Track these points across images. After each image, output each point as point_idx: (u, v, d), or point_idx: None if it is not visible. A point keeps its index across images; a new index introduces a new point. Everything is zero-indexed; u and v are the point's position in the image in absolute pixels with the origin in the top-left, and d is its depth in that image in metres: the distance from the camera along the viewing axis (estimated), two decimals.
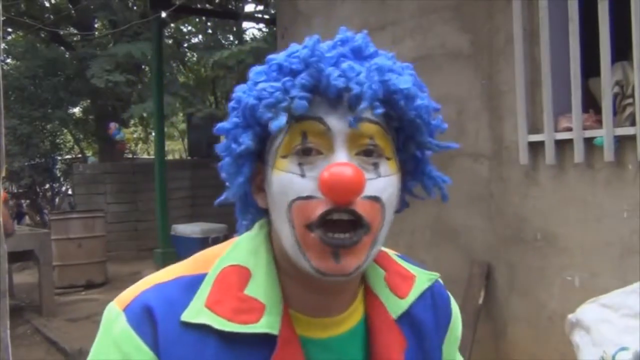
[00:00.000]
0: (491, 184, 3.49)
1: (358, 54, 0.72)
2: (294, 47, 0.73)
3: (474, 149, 3.57)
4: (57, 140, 12.18)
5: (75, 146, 13.80)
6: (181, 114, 14.51)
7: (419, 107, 0.72)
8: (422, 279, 0.84)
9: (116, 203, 9.85)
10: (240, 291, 0.71)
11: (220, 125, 0.76)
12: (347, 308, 0.77)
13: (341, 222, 0.67)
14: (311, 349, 0.72)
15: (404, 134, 0.75)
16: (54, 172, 12.29)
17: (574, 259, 3.07)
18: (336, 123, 0.68)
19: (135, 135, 11.85)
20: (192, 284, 0.72)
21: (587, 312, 2.37)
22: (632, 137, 2.77)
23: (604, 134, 2.83)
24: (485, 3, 3.49)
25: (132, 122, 12.30)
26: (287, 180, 0.69)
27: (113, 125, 9.76)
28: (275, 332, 0.70)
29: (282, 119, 0.68)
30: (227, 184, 0.79)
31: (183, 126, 15.76)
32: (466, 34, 3.61)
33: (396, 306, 0.79)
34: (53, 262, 6.90)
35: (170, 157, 17.68)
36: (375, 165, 0.70)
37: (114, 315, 0.71)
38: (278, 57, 0.73)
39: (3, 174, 2.00)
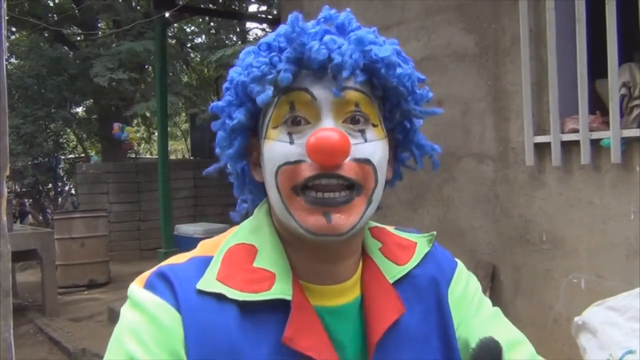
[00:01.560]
0: (497, 185, 3.48)
1: (342, 30, 0.76)
2: (282, 27, 0.76)
3: (480, 150, 3.56)
4: (61, 140, 12.19)
5: (79, 146, 13.81)
6: (184, 114, 14.53)
7: (401, 75, 0.75)
8: (422, 243, 0.86)
9: (119, 203, 9.86)
10: (249, 264, 0.74)
11: (214, 104, 0.80)
12: (352, 275, 0.79)
13: (332, 186, 0.71)
14: (324, 317, 0.74)
15: (389, 102, 0.78)
16: (57, 171, 12.32)
17: (580, 261, 3.05)
18: (321, 92, 0.72)
19: (138, 135, 11.83)
20: (203, 262, 0.75)
21: (594, 314, 2.35)
22: (639, 139, 2.76)
23: (611, 136, 2.82)
24: (491, 4, 3.47)
25: (135, 121, 12.30)
26: (277, 147, 0.72)
27: (116, 126, 9.75)
28: (288, 297, 0.72)
29: (269, 92, 0.72)
30: (220, 157, 0.82)
31: (186, 126, 15.78)
32: (471, 35, 3.60)
33: (393, 271, 0.80)
34: (56, 261, 6.91)
35: (173, 156, 17.70)
36: (362, 132, 0.73)
37: (135, 290, 0.74)
38: (267, 37, 0.77)
39: (7, 173, 2.00)
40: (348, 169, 0.70)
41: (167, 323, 0.69)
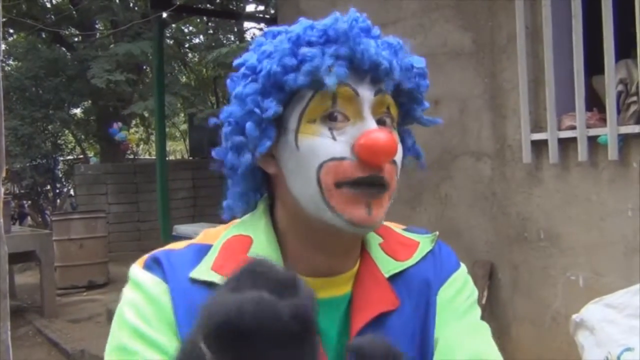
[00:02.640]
0: (494, 183, 3.47)
1: (368, 33, 0.77)
2: (305, 22, 0.77)
3: (477, 148, 3.55)
4: (59, 141, 12.18)
5: (77, 147, 13.80)
6: (182, 115, 14.52)
7: (425, 85, 0.80)
8: (425, 242, 0.87)
9: (118, 203, 9.85)
10: (244, 254, 0.76)
11: (237, 92, 0.77)
12: (348, 269, 0.80)
13: (375, 184, 0.74)
14: None
15: (404, 108, 0.81)
16: (56, 172, 12.30)
17: (578, 259, 3.05)
18: (364, 91, 0.74)
19: (137, 136, 11.82)
20: (201, 249, 0.78)
21: (592, 312, 2.35)
22: (637, 136, 2.75)
23: (608, 133, 2.81)
24: (487, 1, 3.47)
25: (133, 122, 12.29)
26: (319, 142, 0.73)
27: (116, 125, 9.75)
28: None
29: (334, 78, 0.71)
30: (240, 149, 0.78)
31: (184, 126, 15.77)
32: (468, 32, 3.59)
33: (389, 265, 0.81)
34: (55, 262, 6.89)
35: (171, 157, 17.68)
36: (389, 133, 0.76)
37: (134, 270, 0.78)
38: (294, 30, 0.76)
39: (3, 175, 1.99)
40: (387, 172, 0.74)
41: (158, 295, 0.73)
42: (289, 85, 0.73)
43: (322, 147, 0.72)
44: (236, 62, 0.80)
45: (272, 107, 0.74)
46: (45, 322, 6.11)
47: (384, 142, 0.71)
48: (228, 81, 0.81)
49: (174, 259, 0.76)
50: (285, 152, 0.76)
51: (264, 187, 0.83)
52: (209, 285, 0.73)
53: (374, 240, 0.84)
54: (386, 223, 0.86)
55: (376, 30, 0.78)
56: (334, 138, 0.73)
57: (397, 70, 0.75)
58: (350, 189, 0.72)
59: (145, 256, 0.79)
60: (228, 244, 0.78)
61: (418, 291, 0.81)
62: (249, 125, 0.76)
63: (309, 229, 0.76)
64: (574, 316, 2.40)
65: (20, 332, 5.91)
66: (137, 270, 0.77)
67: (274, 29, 0.80)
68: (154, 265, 0.76)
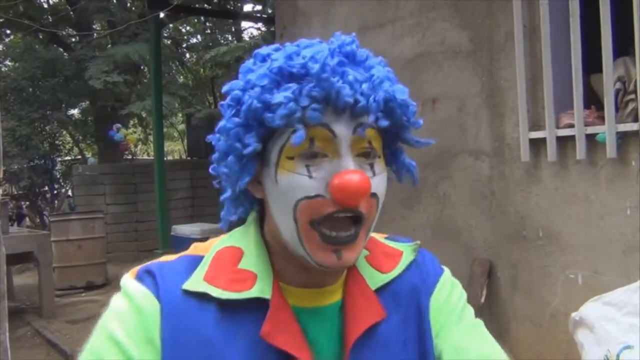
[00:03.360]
0: (492, 182, 3.47)
1: (352, 60, 0.77)
2: (290, 48, 0.77)
3: (475, 147, 3.55)
4: (57, 142, 12.15)
5: (75, 147, 13.78)
6: (180, 115, 14.51)
7: (410, 113, 0.80)
8: (408, 252, 0.88)
9: (116, 204, 9.84)
10: (235, 266, 0.79)
11: (221, 125, 0.79)
12: (335, 282, 0.82)
13: (342, 220, 0.74)
14: (302, 317, 0.78)
15: (391, 134, 0.81)
16: (54, 173, 12.27)
17: (577, 257, 3.05)
18: (341, 130, 0.74)
19: (135, 136, 11.80)
20: (193, 261, 0.80)
21: (591, 310, 2.35)
22: (635, 133, 2.75)
23: (606, 130, 2.81)
24: (484, 0, 3.46)
25: (131, 122, 12.28)
26: (295, 180, 0.74)
27: (115, 127, 9.73)
28: (267, 296, 0.76)
29: (301, 133, 0.73)
30: (225, 179, 0.83)
31: (182, 126, 15.75)
32: (466, 31, 3.59)
33: (376, 278, 0.83)
34: (53, 263, 6.88)
35: (169, 157, 17.67)
36: (372, 165, 0.77)
37: (125, 280, 0.79)
38: (277, 59, 0.76)
39: (1, 176, 1.98)
40: (362, 206, 0.74)
41: (147, 309, 0.74)
42: (268, 123, 0.74)
43: (297, 184, 0.73)
44: (224, 88, 0.80)
45: (252, 143, 0.76)
46: (44, 323, 6.10)
47: (356, 183, 0.71)
48: (220, 106, 0.83)
49: (166, 271, 0.78)
50: (268, 183, 0.78)
51: (255, 201, 0.85)
52: (201, 296, 0.75)
53: (361, 254, 0.84)
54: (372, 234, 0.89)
55: (362, 55, 0.78)
56: (310, 175, 0.73)
57: (375, 107, 0.74)
58: (320, 234, 0.73)
59: (138, 267, 0.80)
60: (219, 255, 0.80)
61: (406, 302, 0.84)
62: (230, 159, 0.78)
63: (289, 253, 0.78)
64: (573, 314, 2.40)
65: (18, 333, 5.90)
66: (128, 280, 0.79)
67: (263, 51, 0.80)
68: (147, 278, 0.77)
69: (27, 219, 12.54)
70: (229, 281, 0.77)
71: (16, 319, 6.23)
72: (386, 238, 0.92)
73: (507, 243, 3.40)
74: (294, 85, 0.73)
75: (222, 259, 0.80)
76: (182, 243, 7.27)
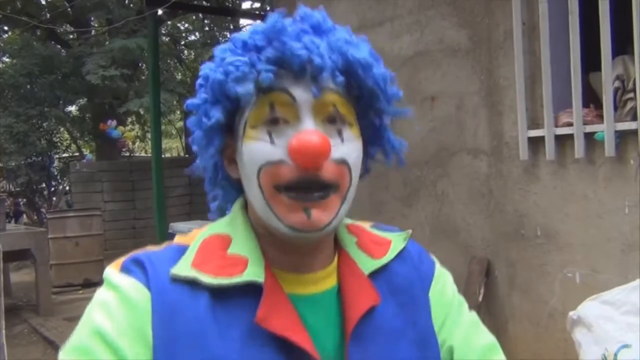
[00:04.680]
0: (491, 180, 3.47)
1: (317, 29, 0.76)
2: (257, 25, 0.77)
3: (473, 145, 3.54)
4: (54, 139, 12.14)
5: (73, 144, 13.75)
6: (178, 112, 14.49)
7: (376, 76, 0.77)
8: (398, 240, 0.87)
9: (113, 201, 9.83)
10: (224, 252, 0.77)
11: (189, 101, 0.80)
12: (326, 266, 0.80)
13: (310, 187, 0.73)
14: (298, 304, 0.76)
15: (363, 101, 0.79)
16: (51, 170, 12.26)
17: (575, 256, 3.04)
18: (301, 93, 0.73)
19: (132, 133, 11.79)
20: (179, 250, 0.77)
21: (589, 309, 2.35)
22: (634, 132, 2.75)
23: (605, 129, 2.81)
24: None
25: (129, 120, 12.26)
26: (257, 147, 0.73)
27: (110, 122, 9.71)
28: (260, 279, 0.74)
29: (250, 87, 0.73)
30: (200, 159, 0.84)
31: (180, 124, 15.73)
32: (464, 29, 3.58)
33: (368, 263, 0.82)
34: (50, 261, 6.88)
35: (167, 154, 17.65)
36: (339, 132, 0.75)
37: (110, 273, 0.76)
38: (242, 34, 0.77)
39: None
40: (326, 171, 0.72)
41: (138, 300, 0.71)
42: (232, 94, 0.74)
43: (259, 151, 0.73)
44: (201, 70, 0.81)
45: (215, 115, 0.76)
46: (41, 321, 6.10)
47: (314, 143, 0.69)
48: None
49: (154, 259, 0.76)
50: (239, 158, 0.78)
51: (241, 189, 0.83)
52: (191, 283, 0.73)
53: (350, 240, 0.85)
54: (355, 222, 0.89)
55: (328, 25, 0.77)
56: (272, 142, 0.73)
57: (330, 64, 0.73)
58: (287, 196, 0.72)
59: (122, 259, 0.77)
60: (206, 243, 0.78)
61: (400, 289, 0.83)
62: (196, 133, 0.80)
63: (268, 231, 0.77)
64: (571, 313, 2.40)
65: (15, 331, 5.89)
66: (113, 272, 0.75)
67: (241, 34, 0.79)
68: (134, 267, 0.75)
69: (25, 216, 12.53)
70: (219, 267, 0.74)
71: (13, 317, 6.22)
72: (372, 226, 0.90)
73: (505, 242, 3.40)
74: (254, 52, 0.74)
75: (210, 246, 0.77)
76: None
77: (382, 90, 0.79)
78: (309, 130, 0.71)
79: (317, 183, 0.72)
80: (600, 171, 2.92)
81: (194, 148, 0.82)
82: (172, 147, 19.90)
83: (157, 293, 0.72)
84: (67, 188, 12.04)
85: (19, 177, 11.39)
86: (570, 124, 2.98)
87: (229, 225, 0.81)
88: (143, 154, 16.61)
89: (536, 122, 3.19)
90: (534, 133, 3.16)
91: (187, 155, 12.36)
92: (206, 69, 0.79)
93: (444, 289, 0.88)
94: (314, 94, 0.73)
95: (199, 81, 0.79)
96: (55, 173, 12.65)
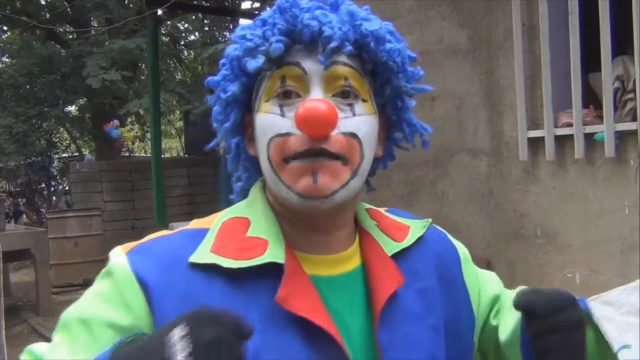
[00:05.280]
0: (491, 181, 3.47)
1: (335, 8, 0.77)
2: (279, 3, 0.77)
3: (474, 146, 3.54)
4: (54, 139, 12.13)
5: (72, 145, 13.74)
6: (178, 112, 14.49)
7: (391, 51, 0.77)
8: (416, 227, 0.87)
9: (113, 202, 9.82)
10: (243, 235, 0.75)
11: (210, 78, 0.82)
12: (348, 247, 0.79)
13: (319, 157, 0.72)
14: (321, 286, 0.74)
15: (380, 78, 0.79)
16: (51, 170, 12.25)
17: (575, 256, 3.05)
18: (312, 66, 0.73)
19: (132, 134, 11.78)
20: (197, 234, 0.75)
21: None
22: (634, 133, 2.75)
23: (605, 130, 2.81)
24: None
25: (129, 120, 12.26)
26: (268, 120, 0.74)
27: (113, 123, 9.70)
28: (281, 261, 0.72)
29: (260, 60, 0.74)
30: (220, 137, 0.84)
31: (180, 124, 15.73)
32: (465, 30, 3.58)
33: (390, 245, 0.81)
34: (50, 261, 6.87)
35: (167, 155, 17.65)
36: (351, 106, 0.74)
37: (116, 253, 0.74)
38: (265, 13, 0.78)
39: None
40: (334, 143, 0.71)
41: (131, 297, 0.70)
42: (248, 69, 0.75)
43: (269, 123, 0.73)
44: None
45: (232, 89, 0.78)
46: (41, 321, 6.09)
47: (320, 111, 0.69)
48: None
49: (171, 245, 0.74)
50: (255, 134, 0.78)
51: (258, 170, 0.82)
52: (209, 268, 0.71)
53: (371, 223, 0.84)
54: (373, 207, 0.88)
55: (346, 3, 0.77)
56: (283, 115, 0.73)
57: (341, 35, 0.72)
58: (295, 162, 0.72)
59: (135, 243, 0.76)
60: (226, 226, 0.76)
61: (420, 275, 0.82)
62: (215, 109, 0.81)
63: (285, 208, 0.77)
64: None
65: (15, 331, 5.89)
66: (118, 255, 0.74)
67: (265, 13, 0.80)
68: (145, 261, 0.72)
69: (25, 216, 12.53)
70: (239, 250, 0.73)
71: (13, 317, 6.22)
72: (387, 211, 0.90)
73: (505, 242, 3.40)
74: (269, 27, 0.75)
75: (229, 229, 0.76)
76: None
77: (399, 67, 0.78)
78: (315, 99, 0.71)
79: (325, 154, 0.71)
80: (600, 172, 2.92)
81: (214, 125, 0.83)
82: (172, 147, 19.90)
83: (168, 287, 0.70)
84: (67, 188, 12.04)
85: (18, 177, 11.38)
86: (570, 125, 2.98)
87: (248, 208, 0.79)
88: (143, 154, 16.61)
89: (536, 122, 3.20)
90: (534, 134, 3.16)
91: (187, 156, 12.35)
92: (229, 48, 0.80)
93: (472, 266, 0.92)
94: (321, 62, 0.72)
95: (222, 60, 0.80)
96: (55, 173, 12.65)
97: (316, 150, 0.71)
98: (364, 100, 0.75)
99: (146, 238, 0.77)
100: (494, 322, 0.87)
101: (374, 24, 0.76)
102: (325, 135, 0.70)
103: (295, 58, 0.74)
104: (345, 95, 0.74)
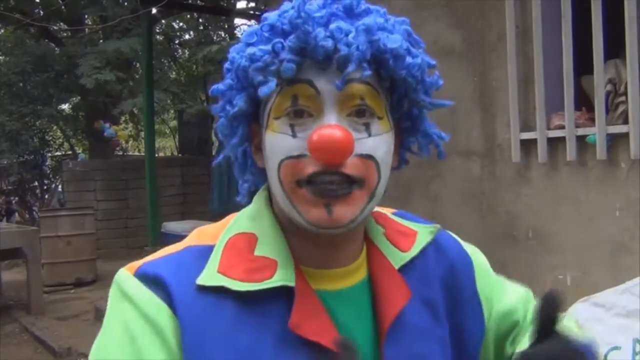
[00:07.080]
0: (483, 182, 3.48)
1: (350, 12, 0.71)
2: (286, 5, 0.72)
3: (466, 147, 3.55)
4: (47, 137, 12.08)
5: (65, 143, 13.69)
6: (172, 111, 14.45)
7: (410, 66, 0.71)
8: (424, 233, 0.83)
9: (106, 200, 9.78)
10: (250, 254, 0.72)
11: (214, 87, 0.77)
12: (355, 260, 0.77)
13: (334, 181, 0.68)
14: (328, 300, 0.73)
15: (397, 93, 0.75)
16: (44, 169, 12.20)
17: (566, 257, 3.06)
18: (325, 86, 0.69)
19: (126, 132, 11.75)
20: (202, 252, 0.73)
21: (579, 311, 2.36)
22: (625, 135, 2.77)
23: (597, 132, 2.82)
24: (477, 0, 3.47)
25: (122, 119, 12.22)
26: (279, 140, 0.70)
27: (100, 122, 9.66)
28: (291, 283, 0.70)
29: (272, 84, 0.69)
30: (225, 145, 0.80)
31: (174, 123, 15.69)
32: (458, 32, 3.59)
33: (397, 257, 0.79)
34: (42, 259, 6.84)
35: (161, 154, 17.61)
36: (367, 125, 0.70)
37: (125, 277, 0.71)
38: (270, 16, 0.72)
39: None
40: (350, 166, 0.68)
41: (161, 321, 0.67)
42: (251, 80, 0.71)
43: (280, 145, 0.70)
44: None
45: (238, 104, 0.73)
46: (32, 320, 6.06)
47: (335, 138, 0.65)
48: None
49: (177, 266, 0.71)
50: (263, 148, 0.74)
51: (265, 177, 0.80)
52: (217, 290, 0.69)
53: (377, 230, 0.81)
54: (378, 210, 0.85)
55: (361, 7, 0.72)
56: (294, 135, 0.69)
57: (357, 55, 0.67)
58: (308, 190, 0.68)
59: (139, 263, 0.73)
60: (231, 244, 0.74)
61: (425, 284, 0.80)
62: (221, 121, 0.77)
63: (293, 224, 0.73)
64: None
65: (6, 330, 5.86)
66: (128, 279, 0.71)
67: (271, 15, 0.74)
68: (155, 284, 0.70)
69: (17, 214, 12.45)
70: (247, 271, 0.70)
71: (4, 316, 6.19)
72: (394, 214, 0.87)
73: (497, 243, 3.41)
74: (279, 40, 0.69)
75: (235, 247, 0.73)
76: (173, 240, 7.18)
77: (418, 81, 0.73)
78: (330, 125, 0.67)
79: (340, 177, 0.68)
80: (591, 174, 2.93)
81: (219, 136, 0.80)
82: (166, 146, 19.84)
83: (183, 310, 0.68)
84: (60, 187, 11.99)
85: (11, 175, 11.32)
86: (562, 127, 3.00)
87: (254, 222, 0.76)
88: (136, 153, 16.56)
89: (528, 124, 3.21)
90: (527, 135, 3.18)
91: (180, 155, 12.32)
92: (233, 52, 0.75)
93: (487, 274, 0.91)
94: (337, 87, 0.68)
95: (226, 65, 0.76)
96: (48, 171, 12.60)
97: (331, 174, 0.67)
98: (379, 118, 0.71)
99: (149, 258, 0.74)
100: (509, 349, 0.85)
101: (393, 38, 0.70)
102: (340, 163, 0.67)
103: (307, 75, 0.69)
104: (361, 114, 0.70)
